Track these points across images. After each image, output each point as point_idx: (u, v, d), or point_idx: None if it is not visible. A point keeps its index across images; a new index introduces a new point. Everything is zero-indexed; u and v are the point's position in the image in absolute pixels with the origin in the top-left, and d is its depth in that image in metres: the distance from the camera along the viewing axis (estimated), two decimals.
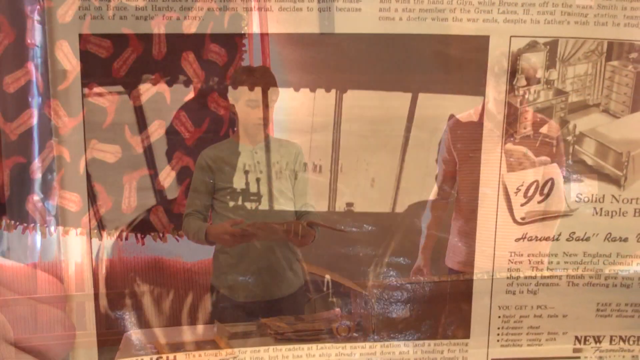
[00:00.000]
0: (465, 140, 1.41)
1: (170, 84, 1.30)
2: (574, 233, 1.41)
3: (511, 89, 1.33)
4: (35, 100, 1.25)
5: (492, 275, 1.41)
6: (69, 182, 1.29)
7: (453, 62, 1.34)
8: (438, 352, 1.45)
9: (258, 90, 1.36)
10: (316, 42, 1.31)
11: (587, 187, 1.39)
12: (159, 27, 1.25)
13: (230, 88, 1.34)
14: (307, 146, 1.42)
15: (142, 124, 1.31)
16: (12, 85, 1.24)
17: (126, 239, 1.36)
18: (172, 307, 1.43)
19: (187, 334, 1.42)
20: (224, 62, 1.33)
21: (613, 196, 1.39)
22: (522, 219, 1.39)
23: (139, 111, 1.31)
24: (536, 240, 1.41)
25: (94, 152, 1.29)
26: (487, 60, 1.31)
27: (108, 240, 1.34)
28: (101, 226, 1.33)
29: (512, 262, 1.41)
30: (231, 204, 1.41)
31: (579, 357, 1.48)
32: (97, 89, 1.27)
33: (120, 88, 1.28)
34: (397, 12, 1.27)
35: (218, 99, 1.35)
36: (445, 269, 1.50)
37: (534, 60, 1.31)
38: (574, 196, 1.39)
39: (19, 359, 1.32)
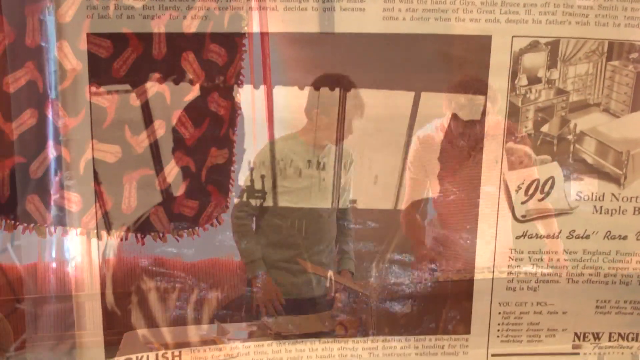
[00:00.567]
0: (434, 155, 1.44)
1: (170, 84, 1.30)
2: (574, 231, 1.42)
3: (513, 88, 1.34)
4: (35, 100, 1.25)
5: (493, 272, 1.43)
6: (69, 182, 1.29)
7: (455, 61, 1.35)
8: (439, 347, 1.47)
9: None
10: (320, 41, 1.32)
11: (587, 185, 1.41)
12: (159, 27, 1.25)
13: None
14: (310, 144, 1.44)
15: (142, 124, 1.31)
16: (12, 85, 1.23)
17: (126, 239, 1.35)
18: (172, 306, 1.43)
19: (188, 333, 1.43)
20: (224, 62, 1.32)
21: (613, 195, 1.40)
22: (523, 216, 1.41)
23: (139, 111, 1.30)
24: (536, 238, 1.42)
25: (94, 152, 1.30)
26: (489, 60, 1.32)
27: (108, 240, 1.35)
28: (101, 226, 1.33)
29: (512, 259, 1.42)
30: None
31: (578, 354, 1.49)
32: (97, 89, 1.27)
33: (120, 88, 1.28)
34: (401, 12, 1.28)
35: (218, 99, 1.34)
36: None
37: (536, 60, 1.33)
38: (574, 194, 1.41)
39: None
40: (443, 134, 1.41)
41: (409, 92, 1.40)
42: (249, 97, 1.36)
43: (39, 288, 1.37)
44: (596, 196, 1.41)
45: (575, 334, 1.48)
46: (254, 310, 1.49)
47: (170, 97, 1.31)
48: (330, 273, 1.47)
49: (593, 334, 1.48)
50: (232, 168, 1.40)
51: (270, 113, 1.39)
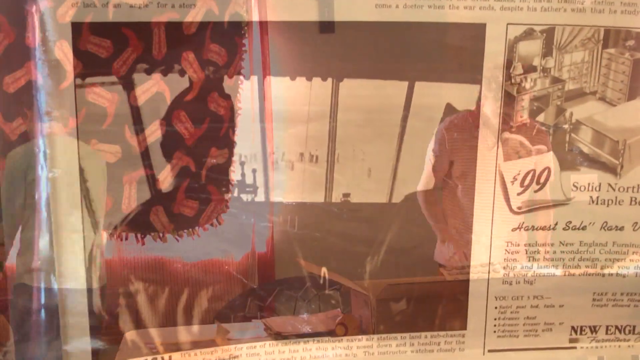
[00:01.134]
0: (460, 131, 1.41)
1: (170, 83, 1.30)
2: (570, 222, 1.41)
3: (508, 77, 1.32)
4: (35, 100, 1.24)
5: (489, 266, 1.41)
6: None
7: (450, 50, 1.33)
8: (434, 344, 1.45)
9: None
10: (313, 31, 1.30)
11: (584, 175, 1.39)
12: (159, 27, 1.24)
13: None
14: (303, 136, 1.41)
15: (142, 124, 1.31)
16: (12, 85, 1.24)
17: (126, 239, 1.35)
18: (172, 306, 1.42)
19: (188, 333, 1.42)
20: (224, 62, 1.32)
21: (609, 185, 1.39)
22: (519, 208, 1.39)
23: (139, 111, 1.30)
24: (533, 229, 1.40)
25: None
26: (483, 48, 1.31)
27: (108, 240, 1.34)
28: (101, 226, 1.32)
29: (508, 252, 1.41)
30: None
31: (575, 347, 1.48)
32: (97, 89, 1.26)
33: (120, 88, 1.28)
34: (394, 0, 1.26)
35: (218, 99, 1.34)
36: (435, 265, 1.49)
37: (531, 48, 1.32)
38: (570, 185, 1.39)
39: None
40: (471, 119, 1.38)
41: (402, 82, 1.38)
42: (248, 97, 1.37)
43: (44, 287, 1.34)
44: (593, 186, 1.39)
45: (572, 327, 1.47)
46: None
47: (170, 97, 1.31)
48: (324, 270, 1.45)
49: (590, 327, 1.47)
50: (232, 168, 1.39)
51: (269, 113, 1.39)
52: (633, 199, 1.39)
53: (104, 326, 1.36)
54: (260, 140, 1.39)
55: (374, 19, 1.27)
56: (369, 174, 1.44)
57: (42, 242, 1.29)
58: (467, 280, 1.42)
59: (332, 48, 1.33)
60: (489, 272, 1.41)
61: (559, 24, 1.30)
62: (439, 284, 1.46)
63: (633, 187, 1.39)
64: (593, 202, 1.40)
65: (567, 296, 1.44)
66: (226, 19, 1.28)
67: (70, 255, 1.29)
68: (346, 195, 1.45)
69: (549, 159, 1.38)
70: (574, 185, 1.39)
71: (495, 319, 1.44)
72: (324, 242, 1.47)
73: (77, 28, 1.21)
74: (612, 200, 1.40)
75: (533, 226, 1.40)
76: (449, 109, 1.38)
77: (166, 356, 1.38)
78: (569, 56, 1.33)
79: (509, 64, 1.31)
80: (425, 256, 1.47)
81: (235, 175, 1.40)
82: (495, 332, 1.44)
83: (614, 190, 1.39)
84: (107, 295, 1.36)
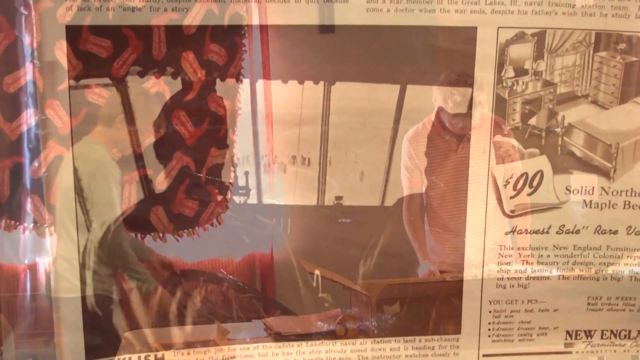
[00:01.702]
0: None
1: (170, 84, 1.30)
2: (563, 226, 1.40)
3: (499, 80, 1.32)
4: (35, 100, 1.25)
5: (482, 270, 1.40)
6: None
7: (441, 53, 1.34)
8: (429, 348, 1.44)
9: None
10: (304, 34, 1.31)
11: (577, 179, 1.39)
12: (159, 27, 1.25)
13: None
14: (295, 139, 1.41)
15: (142, 124, 1.31)
16: (12, 85, 1.24)
17: None
18: (172, 307, 1.43)
19: (188, 333, 1.42)
20: (224, 62, 1.33)
21: (603, 188, 1.39)
22: (512, 211, 1.39)
23: (139, 111, 1.31)
24: (526, 233, 1.40)
25: None
26: (475, 52, 1.31)
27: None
28: (95, 224, 1.32)
29: (502, 256, 1.40)
30: None
31: (570, 352, 1.47)
32: (97, 89, 1.27)
33: (120, 88, 1.28)
34: (385, 4, 1.27)
35: (218, 99, 1.34)
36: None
37: (522, 52, 1.32)
38: (563, 188, 1.39)
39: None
40: (430, 127, 1.39)
41: (394, 85, 1.39)
42: (248, 97, 1.37)
43: (38, 286, 1.36)
44: (586, 190, 1.39)
45: (567, 332, 1.46)
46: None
47: (170, 97, 1.31)
48: (317, 272, 1.45)
49: (585, 331, 1.46)
50: (232, 168, 1.40)
51: (269, 112, 1.39)
52: (627, 202, 1.39)
53: (98, 325, 1.36)
54: (253, 142, 1.40)
55: (365, 22, 1.28)
56: (361, 177, 1.44)
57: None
58: (461, 284, 1.41)
59: (323, 51, 1.34)
60: (482, 276, 1.41)
61: (550, 27, 1.30)
62: (437, 284, 1.46)
63: (627, 191, 1.38)
64: (586, 205, 1.39)
65: (561, 300, 1.43)
66: (226, 19, 1.28)
67: (64, 252, 1.30)
68: (339, 198, 1.46)
69: (542, 163, 1.38)
70: (567, 189, 1.39)
71: (489, 323, 1.43)
72: (316, 245, 1.47)
73: (77, 28, 1.22)
74: (605, 204, 1.39)
75: (526, 230, 1.40)
76: (441, 112, 1.39)
77: (159, 354, 1.38)
78: (560, 59, 1.33)
79: (500, 67, 1.32)
80: (417, 259, 1.47)
81: (227, 177, 1.40)
82: (489, 336, 1.44)
83: (607, 193, 1.39)
84: (101, 295, 1.36)
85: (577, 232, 1.40)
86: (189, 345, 1.39)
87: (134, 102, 1.30)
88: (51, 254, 1.31)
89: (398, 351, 1.44)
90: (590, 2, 1.28)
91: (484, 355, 1.45)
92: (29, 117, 1.26)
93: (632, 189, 1.38)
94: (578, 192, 1.39)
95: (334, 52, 1.34)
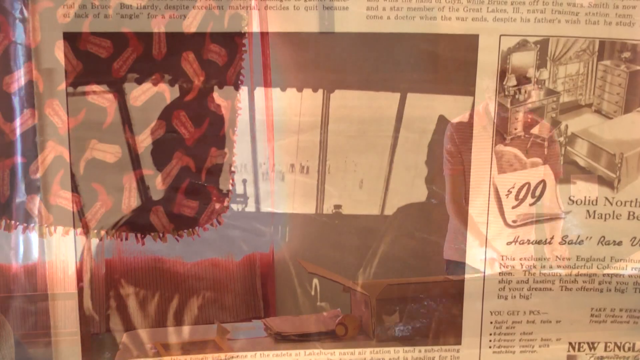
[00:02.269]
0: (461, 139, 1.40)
1: (170, 84, 1.30)
2: (566, 236, 1.39)
3: (501, 89, 1.31)
4: (35, 100, 1.25)
5: (484, 280, 1.39)
6: (69, 182, 1.29)
7: (442, 61, 1.33)
8: (429, 358, 1.43)
9: None
10: (303, 41, 1.30)
11: (580, 189, 1.37)
12: (159, 27, 1.25)
13: None
14: (294, 147, 1.41)
15: (142, 124, 1.31)
16: (12, 85, 1.25)
17: (126, 239, 1.35)
18: (172, 307, 1.43)
19: (188, 334, 1.42)
20: (224, 62, 1.32)
21: (606, 198, 1.37)
22: (514, 221, 1.37)
23: (139, 111, 1.31)
24: (528, 243, 1.38)
25: (94, 152, 1.30)
26: (476, 60, 1.30)
27: (108, 240, 1.34)
28: (101, 226, 1.33)
29: (503, 266, 1.39)
30: None
31: None
32: (97, 89, 1.27)
33: (120, 88, 1.29)
34: (385, 11, 1.26)
35: (218, 99, 1.34)
36: (441, 267, 1.48)
37: (525, 60, 1.30)
38: (566, 199, 1.37)
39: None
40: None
41: (394, 93, 1.37)
42: (247, 100, 1.37)
43: (39, 287, 1.37)
44: (589, 200, 1.37)
45: (570, 343, 1.44)
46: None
47: (170, 97, 1.31)
48: (315, 282, 1.44)
49: (588, 343, 1.44)
50: (233, 168, 1.39)
51: (269, 113, 1.39)
52: (631, 213, 1.37)
53: (104, 324, 1.38)
54: (251, 150, 1.39)
55: (365, 29, 1.27)
56: (360, 185, 1.43)
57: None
58: (462, 294, 1.40)
59: (323, 59, 1.33)
60: (483, 287, 1.39)
61: (553, 35, 1.29)
62: (437, 284, 1.44)
63: (631, 201, 1.37)
64: (590, 216, 1.38)
65: (564, 311, 1.42)
66: (226, 19, 1.28)
67: (60, 255, 1.31)
68: (338, 206, 1.44)
69: (545, 172, 1.36)
70: (570, 199, 1.37)
71: (490, 334, 1.42)
72: (315, 254, 1.46)
73: (77, 28, 1.22)
74: (609, 215, 1.37)
75: (528, 240, 1.39)
76: (442, 120, 1.38)
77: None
78: (563, 68, 1.32)
79: (502, 76, 1.30)
80: (417, 269, 1.46)
81: (225, 185, 1.40)
82: (490, 347, 1.42)
83: (611, 204, 1.37)
84: (96, 297, 1.37)
85: (581, 242, 1.39)
86: (188, 345, 1.40)
87: (134, 102, 1.30)
88: (47, 254, 1.32)
89: None
90: (594, 10, 1.27)
91: None
92: (28, 117, 1.26)
93: (636, 199, 1.37)
94: (581, 202, 1.37)
95: (333, 60, 1.34)
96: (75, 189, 1.30)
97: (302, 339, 1.43)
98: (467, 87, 1.31)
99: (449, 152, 1.41)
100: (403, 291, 1.44)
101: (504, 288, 1.40)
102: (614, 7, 1.27)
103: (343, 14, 1.26)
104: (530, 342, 1.43)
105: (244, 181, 1.40)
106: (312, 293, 1.45)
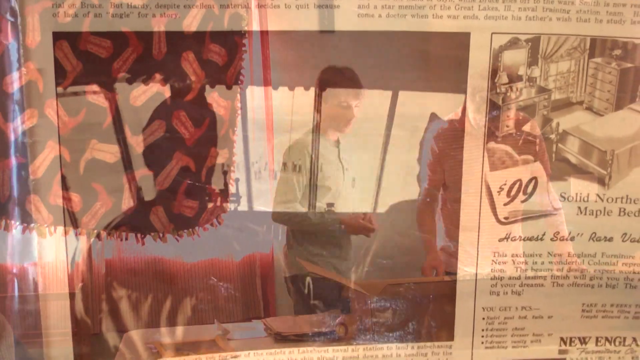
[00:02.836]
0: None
1: (170, 84, 1.30)
2: (558, 233, 1.39)
3: (493, 86, 1.31)
4: (35, 101, 1.25)
5: (476, 276, 1.40)
6: (69, 182, 1.29)
7: (434, 59, 1.33)
8: (422, 354, 1.44)
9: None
10: (294, 39, 1.30)
11: (571, 186, 1.38)
12: (159, 27, 1.25)
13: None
14: (286, 145, 1.41)
15: (142, 124, 1.31)
16: (11, 85, 1.24)
17: (126, 239, 1.35)
18: (172, 307, 1.43)
19: (188, 333, 1.42)
20: (224, 62, 1.32)
21: (598, 195, 1.38)
22: (506, 218, 1.38)
23: (139, 111, 1.30)
24: (520, 240, 1.39)
25: (94, 152, 1.30)
26: (468, 58, 1.30)
27: (108, 240, 1.34)
28: (101, 226, 1.33)
29: (495, 263, 1.40)
30: None
31: (564, 359, 1.47)
32: (97, 89, 1.27)
33: (120, 88, 1.28)
34: (377, 9, 1.26)
35: (218, 99, 1.34)
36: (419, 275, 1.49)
37: (516, 58, 1.31)
38: (557, 195, 1.38)
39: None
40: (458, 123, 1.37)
41: (386, 91, 1.38)
42: (248, 97, 1.37)
43: (39, 287, 1.36)
44: (580, 197, 1.38)
45: (562, 338, 1.45)
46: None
47: (170, 97, 1.31)
48: (308, 280, 1.45)
49: (579, 338, 1.46)
50: (232, 168, 1.39)
51: (269, 112, 1.39)
52: (622, 209, 1.38)
53: (104, 323, 1.39)
54: (243, 149, 1.39)
55: (357, 28, 1.27)
56: (353, 183, 1.44)
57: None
58: (454, 290, 1.41)
59: (314, 57, 1.33)
60: (475, 283, 1.40)
61: (544, 33, 1.29)
62: (437, 284, 1.46)
63: (622, 198, 1.38)
64: (581, 212, 1.39)
65: (555, 307, 1.43)
66: (226, 18, 1.28)
67: (60, 255, 1.32)
68: (330, 204, 1.45)
69: (536, 169, 1.37)
70: (562, 196, 1.38)
71: (482, 330, 1.43)
72: (308, 252, 1.47)
73: (77, 28, 1.22)
74: (600, 211, 1.38)
75: (520, 236, 1.39)
76: (434, 118, 1.38)
77: None
78: (554, 65, 1.32)
79: (494, 74, 1.31)
80: (410, 266, 1.47)
81: (217, 184, 1.39)
82: (483, 343, 1.43)
83: (602, 200, 1.38)
84: (96, 297, 1.38)
85: (572, 239, 1.40)
86: (188, 345, 1.40)
87: (134, 102, 1.29)
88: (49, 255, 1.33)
89: (390, 358, 1.43)
90: (585, 8, 1.27)
91: None
92: (28, 117, 1.26)
93: (627, 195, 1.38)
94: (573, 199, 1.38)
95: (325, 58, 1.34)
96: (75, 189, 1.30)
97: (301, 339, 1.44)
98: (458, 84, 1.31)
99: (430, 165, 1.43)
100: (402, 291, 1.44)
101: (496, 284, 1.40)
102: (605, 5, 1.27)
103: (335, 13, 1.26)
104: (522, 337, 1.44)
105: (237, 180, 1.40)
106: (305, 292, 1.46)
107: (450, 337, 1.43)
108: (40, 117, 1.26)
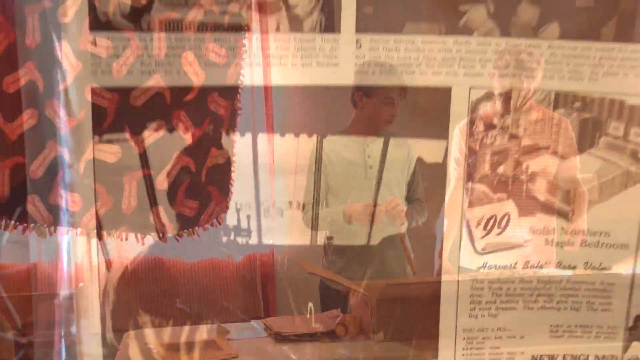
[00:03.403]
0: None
1: (170, 84, 1.28)
2: (528, 262, 1.51)
3: (471, 133, 1.44)
4: (35, 101, 1.24)
5: (457, 301, 1.50)
6: (69, 182, 1.28)
7: (420, 110, 1.46)
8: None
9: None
10: (296, 92, 1.41)
11: (540, 220, 1.50)
12: (159, 27, 1.24)
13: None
14: (291, 186, 1.50)
15: (142, 124, 1.29)
16: (12, 85, 1.23)
17: (126, 239, 1.32)
18: (172, 307, 1.47)
19: (188, 334, 1.42)
20: (224, 62, 1.31)
21: (562, 228, 1.51)
22: (483, 249, 1.50)
23: (139, 111, 1.28)
24: (495, 268, 1.51)
25: (94, 152, 1.27)
26: (449, 109, 1.41)
27: (108, 240, 1.32)
28: (101, 226, 1.31)
29: (474, 289, 1.50)
30: None
31: None
32: (97, 89, 1.25)
33: (120, 88, 1.26)
34: (370, 67, 1.39)
35: (218, 99, 1.32)
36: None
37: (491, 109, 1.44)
38: (527, 229, 1.51)
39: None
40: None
41: (378, 138, 1.51)
42: (248, 99, 1.36)
43: (39, 287, 1.38)
44: (548, 230, 1.50)
45: (533, 356, 1.55)
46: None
47: (170, 97, 1.29)
48: (310, 305, 1.52)
49: (548, 356, 1.56)
50: (232, 168, 1.37)
51: (269, 113, 1.39)
52: (583, 241, 1.51)
53: (104, 323, 1.37)
54: (254, 191, 1.46)
55: (354, 83, 1.39)
56: (349, 220, 1.55)
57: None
58: (437, 314, 1.50)
59: (316, 108, 1.46)
60: (457, 308, 1.50)
61: (514, 88, 1.43)
62: (437, 284, 1.51)
63: (582, 231, 1.50)
64: (548, 243, 1.51)
65: (527, 328, 1.53)
66: (226, 19, 1.27)
67: (60, 255, 1.34)
68: (329, 238, 1.56)
69: (509, 206, 1.49)
70: (531, 229, 1.50)
71: (463, 349, 1.53)
72: (308, 279, 1.56)
73: (77, 28, 1.21)
74: (565, 242, 1.51)
75: (496, 265, 1.51)
76: (419, 161, 1.50)
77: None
78: (524, 116, 1.46)
79: (472, 123, 1.43)
80: None
81: (231, 220, 1.45)
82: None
83: (566, 233, 1.51)
84: (96, 297, 1.37)
85: (541, 267, 1.52)
86: (189, 345, 1.40)
87: (134, 102, 1.28)
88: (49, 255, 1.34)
89: (390, 358, 1.52)
90: (549, 67, 1.41)
91: None
92: (29, 117, 1.24)
93: (588, 229, 1.50)
94: (541, 232, 1.51)
95: (325, 109, 1.46)
96: (75, 189, 1.28)
97: (301, 339, 1.43)
98: (441, 132, 1.43)
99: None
100: (404, 291, 1.51)
101: (474, 308, 1.51)
102: (566, 65, 1.42)
103: (334, 70, 1.37)
104: (497, 355, 1.54)
105: (248, 217, 1.47)
106: (307, 316, 1.55)
107: (435, 356, 1.52)
108: (40, 117, 1.25)
